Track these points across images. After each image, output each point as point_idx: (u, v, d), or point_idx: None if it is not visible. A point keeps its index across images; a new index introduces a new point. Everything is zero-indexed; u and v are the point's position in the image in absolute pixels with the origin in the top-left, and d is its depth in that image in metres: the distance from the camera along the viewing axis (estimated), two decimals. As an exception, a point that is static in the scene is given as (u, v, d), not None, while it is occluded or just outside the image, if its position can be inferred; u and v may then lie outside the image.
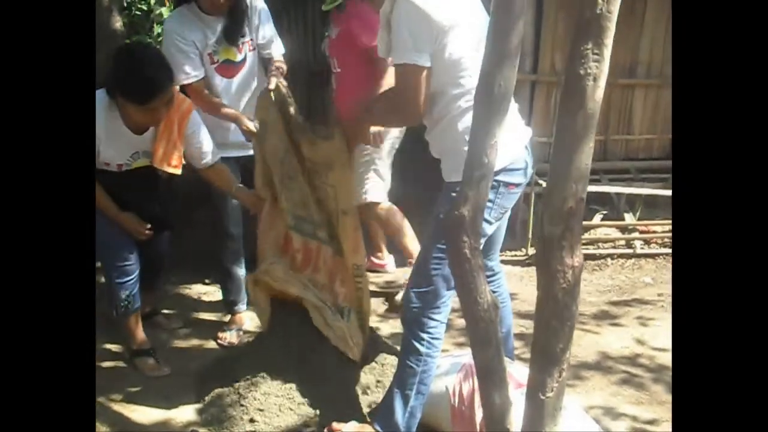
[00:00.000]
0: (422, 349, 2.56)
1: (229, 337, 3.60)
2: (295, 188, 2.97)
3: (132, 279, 3.20)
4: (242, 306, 3.69)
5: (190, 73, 3.29)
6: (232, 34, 3.36)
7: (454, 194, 2.43)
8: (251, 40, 3.44)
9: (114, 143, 3.03)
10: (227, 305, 3.70)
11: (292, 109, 2.99)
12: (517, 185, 2.54)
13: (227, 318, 3.73)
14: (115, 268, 3.16)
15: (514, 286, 4.04)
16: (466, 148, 2.37)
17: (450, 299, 2.59)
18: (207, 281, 4.21)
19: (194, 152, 3.21)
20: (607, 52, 1.52)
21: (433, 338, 2.57)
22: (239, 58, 3.42)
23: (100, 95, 2.99)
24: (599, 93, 1.54)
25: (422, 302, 2.55)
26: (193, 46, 3.30)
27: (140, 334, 3.35)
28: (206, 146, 3.22)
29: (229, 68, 3.41)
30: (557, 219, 1.62)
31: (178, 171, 3.18)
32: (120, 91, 2.94)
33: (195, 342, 3.62)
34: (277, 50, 3.52)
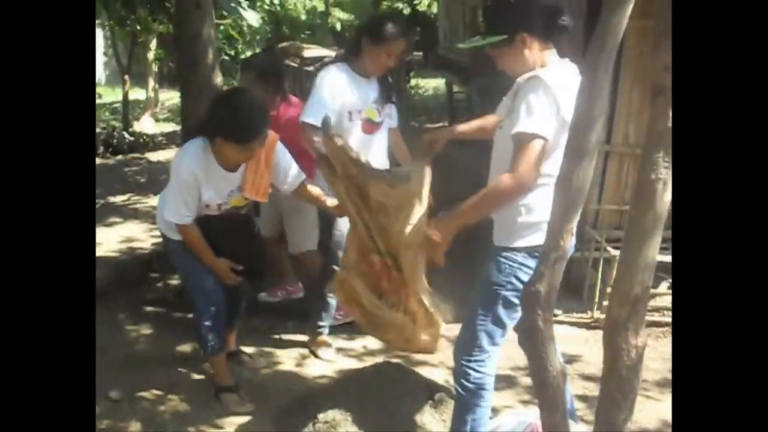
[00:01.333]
0: (470, 398, 2.77)
1: (323, 355, 4.04)
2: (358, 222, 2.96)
3: (220, 321, 3.46)
4: (326, 330, 4.12)
5: (318, 119, 3.41)
6: (389, 93, 3.84)
7: (501, 259, 2.65)
8: (387, 107, 3.86)
9: (213, 183, 3.24)
10: (313, 329, 4.10)
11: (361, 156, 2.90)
12: None
13: (313, 345, 4.11)
14: (207, 312, 3.39)
15: (579, 348, 4.18)
16: (519, 219, 2.62)
17: (496, 354, 2.78)
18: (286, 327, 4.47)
19: (280, 179, 3.41)
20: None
21: (480, 389, 2.76)
22: (378, 119, 3.79)
23: (197, 142, 3.21)
24: (668, 195, 1.71)
25: (468, 355, 2.75)
26: (331, 100, 3.59)
27: (225, 371, 3.60)
28: (291, 172, 3.42)
29: (370, 126, 3.76)
30: (624, 303, 1.79)
31: (265, 199, 3.45)
32: (223, 132, 3.10)
33: (276, 381, 3.83)
34: (396, 121, 3.93)
